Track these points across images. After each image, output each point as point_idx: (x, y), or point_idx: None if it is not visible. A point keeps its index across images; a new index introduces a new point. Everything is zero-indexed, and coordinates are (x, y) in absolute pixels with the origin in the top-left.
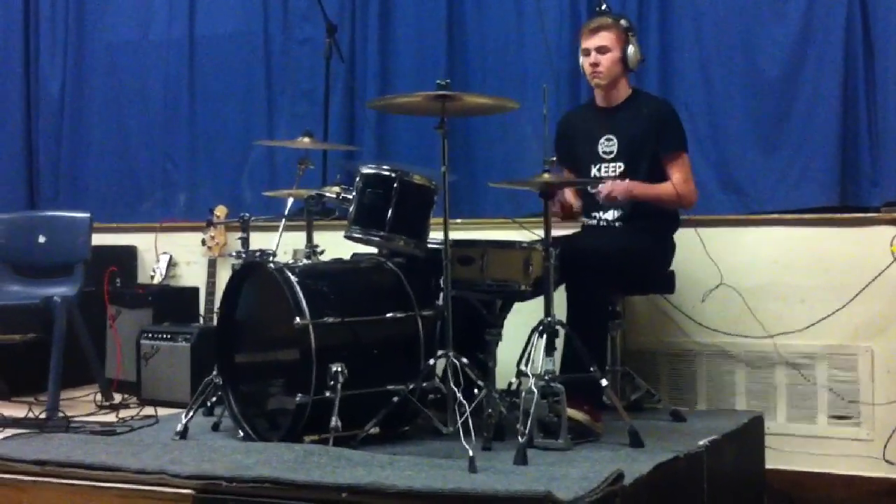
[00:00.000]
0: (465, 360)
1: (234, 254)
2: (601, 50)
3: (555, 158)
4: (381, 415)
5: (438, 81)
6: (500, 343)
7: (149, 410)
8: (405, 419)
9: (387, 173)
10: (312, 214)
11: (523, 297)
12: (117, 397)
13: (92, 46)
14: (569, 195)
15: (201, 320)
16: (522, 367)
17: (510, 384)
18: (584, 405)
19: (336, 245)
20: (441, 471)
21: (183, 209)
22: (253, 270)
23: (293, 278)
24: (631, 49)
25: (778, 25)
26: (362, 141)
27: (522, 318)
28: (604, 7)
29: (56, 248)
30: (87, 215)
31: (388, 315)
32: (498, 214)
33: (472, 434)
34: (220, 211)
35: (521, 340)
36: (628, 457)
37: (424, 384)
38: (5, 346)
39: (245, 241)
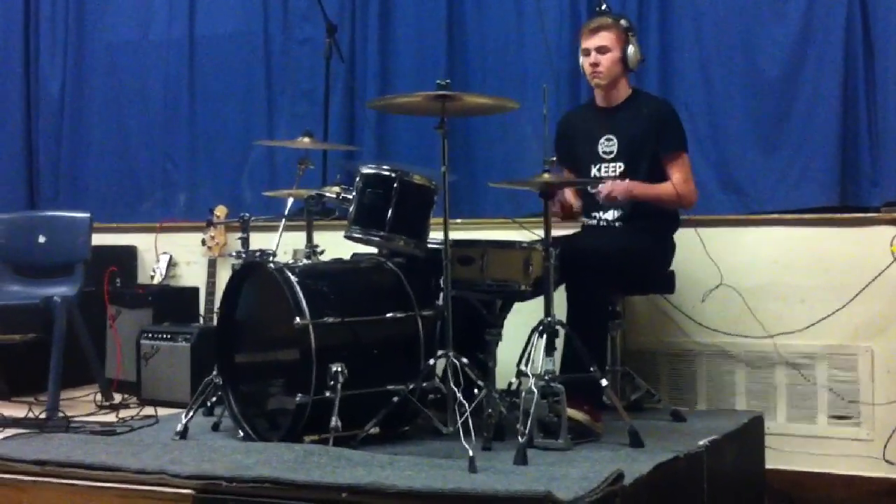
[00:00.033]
0: (465, 360)
1: (234, 254)
2: (601, 50)
3: (555, 158)
4: (381, 415)
5: (438, 81)
6: (500, 343)
7: (149, 410)
8: (405, 419)
9: (387, 173)
10: (312, 214)
11: (523, 297)
12: (117, 397)
13: (92, 46)
14: (569, 195)
15: (201, 320)
16: (522, 367)
17: (510, 384)
18: (584, 405)
19: (336, 245)
20: (441, 471)
21: (183, 209)
22: (253, 270)
23: (293, 278)
24: (631, 49)
25: (778, 25)
26: (362, 141)
27: (522, 318)
28: (604, 7)
29: (56, 248)
30: (87, 215)
31: (388, 315)
32: (498, 214)
33: (472, 434)
34: (220, 211)
35: (521, 340)
36: (628, 457)
37: (424, 384)
38: (5, 346)
39: (245, 241)
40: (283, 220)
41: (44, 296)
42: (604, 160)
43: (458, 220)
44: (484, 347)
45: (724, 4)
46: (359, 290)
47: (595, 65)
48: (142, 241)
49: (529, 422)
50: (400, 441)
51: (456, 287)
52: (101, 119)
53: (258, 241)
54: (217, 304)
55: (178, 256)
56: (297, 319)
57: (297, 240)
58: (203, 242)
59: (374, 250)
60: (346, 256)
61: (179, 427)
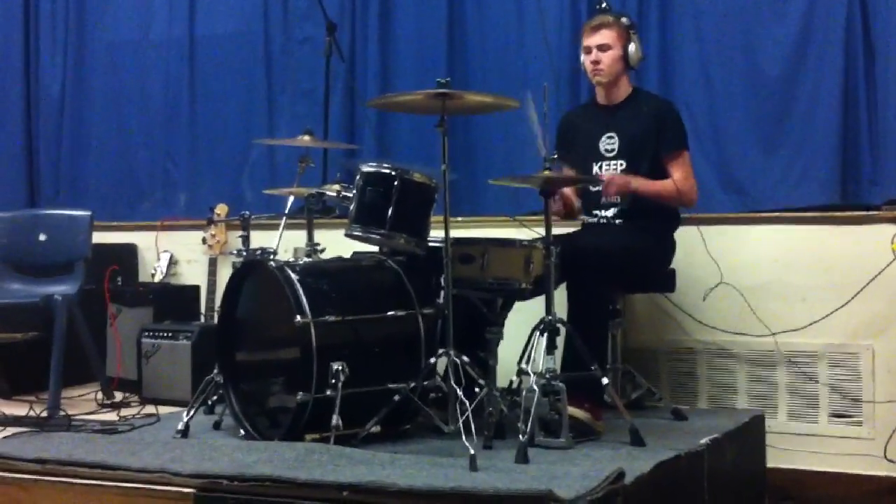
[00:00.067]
0: (465, 358)
1: (234, 252)
2: (602, 48)
3: (556, 156)
4: (382, 413)
5: (439, 80)
6: (500, 341)
7: (150, 409)
8: (406, 418)
9: (387, 171)
10: (313, 213)
11: (524, 295)
12: (118, 396)
13: (92, 46)
14: (569, 193)
15: (202, 318)
16: (523, 366)
17: (511, 382)
18: (585, 403)
19: (337, 243)
20: (442, 469)
21: (183, 208)
22: (254, 269)
23: (294, 276)
24: (632, 47)
25: (778, 25)
26: (362, 139)
27: (523, 316)
28: (604, 5)
29: (57, 246)
30: (88, 213)
31: (389, 313)
32: (498, 212)
33: (473, 433)
34: (221, 209)
35: (522, 339)
36: (629, 455)
37: (425, 383)
38: (6, 344)
39: (246, 240)
40: (284, 218)
41: (44, 294)
42: (605, 158)
43: (459, 219)
44: (485, 346)
45: (724, 4)
46: (359, 288)
47: (596, 62)
48: (142, 240)
49: (530, 420)
50: (401, 439)
51: (457, 285)
52: (102, 118)
53: (259, 239)
54: (218, 302)
55: (179, 255)
56: (298, 318)
57: (298, 238)
58: (204, 241)
59: (374, 248)
60: (347, 255)
61: (180, 425)
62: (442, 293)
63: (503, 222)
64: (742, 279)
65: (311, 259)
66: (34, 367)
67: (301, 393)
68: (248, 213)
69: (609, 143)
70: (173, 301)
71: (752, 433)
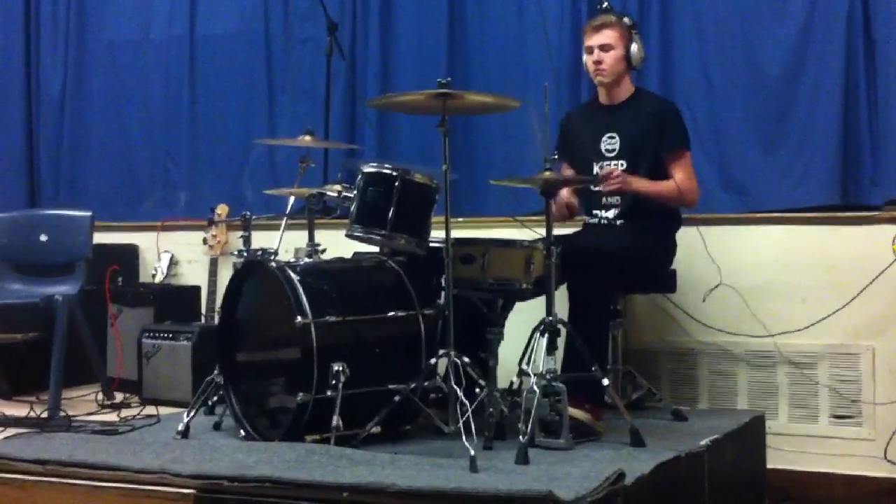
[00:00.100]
0: (466, 359)
1: (235, 252)
2: (604, 48)
3: (556, 156)
4: (383, 414)
5: (439, 80)
6: (501, 342)
7: (150, 410)
8: (406, 418)
9: (388, 172)
10: (314, 213)
11: (524, 295)
12: (118, 396)
13: (93, 45)
14: (566, 193)
15: (203, 319)
16: (524, 366)
17: (511, 383)
18: (586, 404)
19: (337, 244)
20: (442, 470)
21: (184, 208)
22: (254, 269)
23: (294, 277)
24: (634, 47)
25: (779, 25)
26: (363, 139)
27: (524, 316)
28: (606, 5)
29: (57, 246)
30: (89, 214)
31: (390, 314)
32: (499, 213)
33: (474, 433)
34: (222, 209)
35: (523, 339)
36: (630, 456)
37: (426, 383)
38: (7, 345)
39: (246, 240)
40: (285, 218)
41: (45, 294)
42: (606, 158)
43: (460, 219)
44: (485, 346)
45: (724, 4)
46: (360, 288)
47: (598, 62)
48: (143, 240)
49: (531, 421)
50: (401, 440)
51: (457, 286)
52: (102, 118)
53: (259, 239)
54: (218, 302)
55: (180, 255)
56: (299, 318)
57: (299, 238)
58: (204, 241)
59: (375, 249)
60: (348, 255)
61: (181, 426)
62: (442, 294)
63: (504, 223)
64: (742, 280)
65: (311, 259)
66: (34, 367)
67: (301, 393)
68: (248, 213)
69: (610, 142)
70: (174, 301)
71: (752, 434)
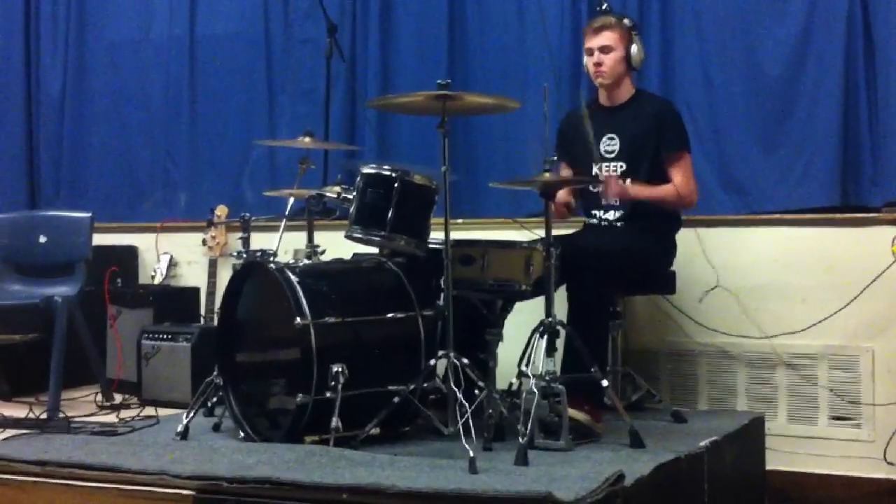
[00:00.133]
0: (465, 360)
1: (234, 254)
2: (604, 49)
3: (556, 157)
4: (382, 415)
5: (439, 81)
6: (500, 343)
7: (149, 411)
8: (406, 419)
9: (388, 173)
10: (313, 214)
11: (524, 296)
12: (118, 397)
13: (93, 46)
14: (563, 194)
15: (202, 320)
16: (523, 368)
17: (511, 384)
18: (585, 405)
19: (337, 245)
20: (442, 471)
21: (184, 209)
22: (254, 270)
23: (294, 278)
24: (634, 48)
25: (779, 25)
26: (363, 141)
27: (523, 317)
28: (605, 7)
29: (57, 247)
30: (88, 215)
31: (389, 315)
32: (499, 214)
33: (473, 434)
34: (221, 211)
35: (522, 340)
36: (629, 457)
37: (425, 384)
38: (6, 346)
39: (246, 241)
40: (284, 219)
41: (45, 296)
42: (605, 159)
43: (459, 220)
44: (485, 347)
45: (724, 4)
46: (359, 290)
47: (599, 64)
48: (142, 241)
49: (530, 422)
50: (400, 441)
51: (457, 287)
52: (102, 118)
53: (259, 240)
54: (218, 303)
55: (179, 256)
56: (298, 319)
57: (298, 240)
58: (204, 242)
59: (374, 250)
60: (347, 256)
61: (180, 427)
62: (442, 295)
63: (503, 224)
64: (741, 281)
65: (311, 261)
66: (34, 368)
67: (301, 395)
68: (248, 214)
69: (610, 144)
70: (173, 303)
71: (751, 435)
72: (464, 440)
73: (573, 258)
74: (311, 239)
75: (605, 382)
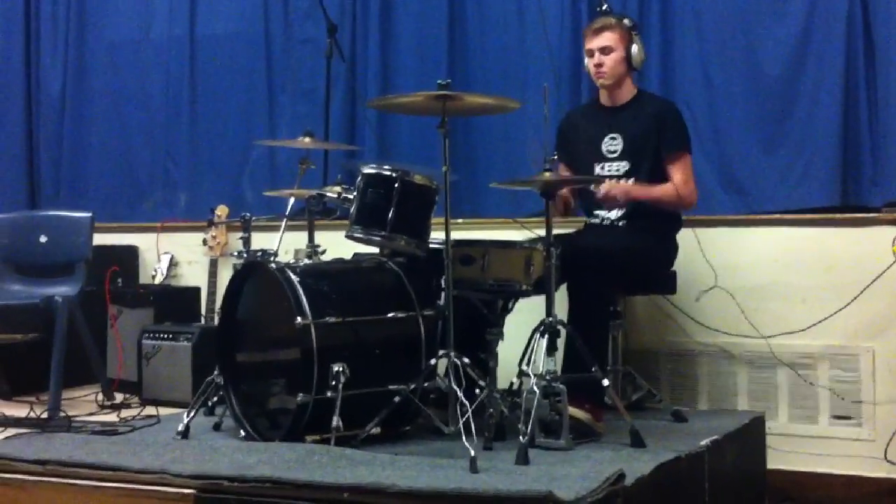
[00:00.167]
0: (466, 359)
1: (235, 253)
2: (605, 50)
3: (556, 157)
4: (383, 414)
5: (439, 81)
6: (501, 342)
7: (150, 410)
8: (406, 419)
9: (388, 173)
10: (314, 214)
11: (525, 296)
12: (119, 397)
13: (93, 45)
14: (566, 191)
15: (202, 320)
16: (524, 367)
17: (511, 384)
18: (586, 405)
19: (337, 245)
20: (442, 471)
21: (184, 209)
22: (254, 270)
23: (294, 278)
24: (635, 48)
25: (779, 25)
26: (363, 141)
27: (524, 317)
28: (605, 7)
29: (57, 247)
30: (89, 215)
31: (390, 315)
32: (499, 214)
33: (474, 434)
34: (222, 210)
35: (523, 340)
36: (630, 457)
37: (426, 384)
38: (7, 345)
39: (246, 241)
40: (285, 219)
41: (45, 295)
42: (607, 159)
43: (460, 220)
44: (485, 347)
45: (724, 4)
46: (360, 289)
47: (599, 65)
48: (143, 241)
49: (531, 421)
50: (401, 441)
51: (457, 287)
52: (102, 118)
53: (259, 240)
54: (218, 303)
55: (180, 256)
56: (299, 319)
57: (299, 240)
58: (204, 242)
59: (375, 250)
60: (348, 256)
61: (181, 427)
62: (442, 294)
63: (503, 224)
64: (742, 281)
65: (311, 260)
66: (35, 368)
67: (301, 394)
68: (248, 214)
69: (612, 143)
70: (174, 302)
71: (752, 435)
72: (464, 439)
73: (574, 258)
74: (311, 239)
75: (605, 382)
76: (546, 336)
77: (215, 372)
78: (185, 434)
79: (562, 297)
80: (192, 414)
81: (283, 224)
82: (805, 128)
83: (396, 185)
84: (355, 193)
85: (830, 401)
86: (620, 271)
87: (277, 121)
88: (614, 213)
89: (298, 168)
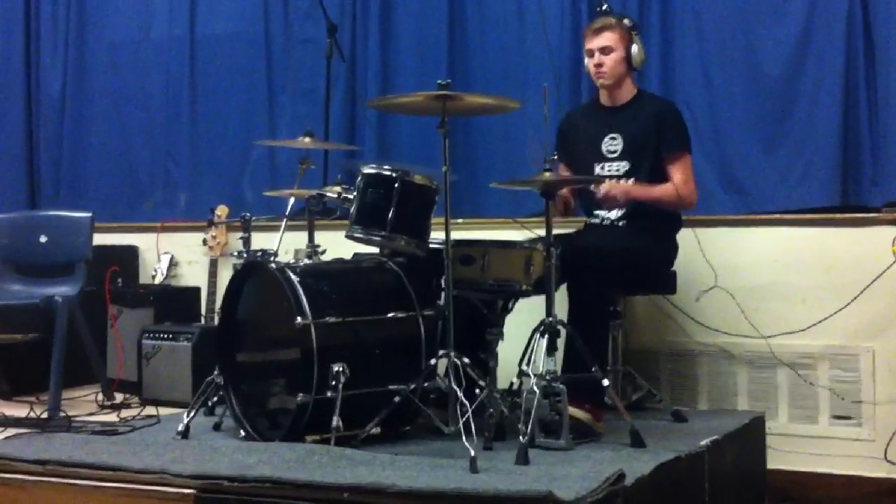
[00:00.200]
0: (466, 359)
1: (235, 253)
2: (605, 50)
3: (556, 157)
4: (383, 414)
5: (439, 81)
6: (501, 342)
7: (150, 410)
8: (406, 419)
9: (388, 173)
10: (314, 214)
11: (525, 296)
12: (119, 397)
13: (93, 45)
14: (566, 191)
15: (203, 320)
16: (524, 367)
17: (511, 384)
18: (586, 405)
19: (337, 245)
20: (442, 471)
21: (184, 209)
22: (254, 270)
23: (294, 278)
24: (634, 48)
25: (779, 25)
26: (363, 141)
27: (524, 317)
28: (605, 7)
29: (57, 247)
30: (89, 215)
31: (390, 315)
32: (499, 214)
33: (474, 434)
34: (222, 210)
35: (523, 340)
36: (630, 457)
37: (426, 384)
38: (7, 345)
39: (246, 241)
40: (285, 219)
41: (45, 295)
42: (607, 159)
43: (460, 220)
44: (485, 347)
45: (724, 4)
46: (360, 289)
47: (599, 65)
48: (143, 241)
49: (531, 421)
50: (401, 441)
51: (457, 287)
52: (102, 118)
53: (259, 240)
54: (218, 303)
55: (180, 256)
56: (299, 319)
57: (299, 240)
58: (204, 242)
59: (375, 250)
60: (348, 256)
61: (181, 427)
62: (442, 294)
63: (503, 224)
64: (742, 281)
65: (311, 260)
66: (35, 368)
67: (301, 394)
68: (248, 214)
69: (612, 143)
70: (174, 302)
71: (752, 435)
72: (464, 439)
73: (574, 258)
74: (311, 239)
75: (605, 382)
76: (546, 336)
77: (215, 372)
78: (185, 434)
79: (562, 297)
80: (192, 414)
81: (283, 224)
82: (805, 128)
83: (396, 185)
84: (355, 193)
85: (830, 401)
86: (620, 271)
87: (277, 121)
88: (614, 213)
89: (298, 168)
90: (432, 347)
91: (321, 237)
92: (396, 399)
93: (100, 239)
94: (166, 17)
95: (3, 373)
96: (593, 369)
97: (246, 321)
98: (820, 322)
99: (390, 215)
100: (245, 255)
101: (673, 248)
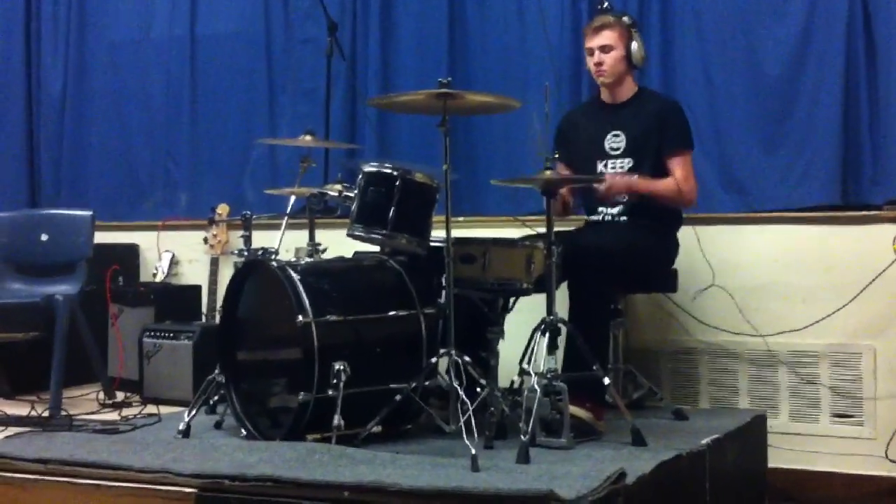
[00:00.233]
0: (467, 358)
1: (236, 252)
2: (605, 49)
3: (557, 156)
4: (384, 413)
5: (440, 80)
6: (502, 341)
7: (151, 409)
8: (407, 417)
9: (389, 172)
10: (314, 213)
11: (525, 294)
12: (119, 396)
13: (93, 45)
14: (565, 192)
15: (203, 318)
16: (525, 366)
17: (512, 382)
18: (587, 403)
19: (338, 243)
20: (443, 469)
21: (185, 207)
22: (255, 268)
23: (295, 276)
24: (635, 46)
25: (779, 24)
26: (364, 139)
27: (524, 316)
28: (605, 5)
29: (58, 246)
30: (90, 213)
31: (391, 313)
32: (500, 212)
33: (475, 432)
34: (222, 209)
35: (524, 338)
36: (631, 455)
37: (427, 382)
38: (7, 344)
39: (247, 240)
40: (286, 218)
41: (46, 294)
42: (610, 156)
43: (460, 218)
44: (486, 345)
45: (724, 4)
46: (361, 288)
47: (599, 64)
48: (144, 240)
49: (532, 420)
50: (402, 439)
51: (458, 285)
52: (103, 118)
53: (260, 239)
54: (219, 302)
55: (181, 255)
56: (300, 317)
57: (300, 238)
58: (205, 240)
59: (376, 248)
60: (349, 255)
61: (182, 425)
62: (443, 293)
63: (504, 222)
64: (743, 279)
65: (312, 259)
66: (35, 367)
67: (302, 393)
68: (249, 213)
69: (615, 140)
70: (175, 301)
71: (753, 433)
72: (465, 438)
73: (574, 256)
74: (312, 237)
75: (606, 380)
76: (547, 334)
77: (216, 370)
78: (186, 433)
79: (562, 295)
80: (193, 413)
81: (284, 222)
82: (805, 127)
83: (397, 183)
84: (356, 192)
85: (831, 399)
86: (621, 270)
87: (278, 120)
88: (616, 209)
89: (299, 167)
90: (433, 346)
91: (322, 236)
92: (397, 398)
93: (100, 237)
94: (167, 17)
95: (4, 372)
96: (594, 368)
97: (247, 320)
98: (821, 320)
99: (391, 214)
100: (246, 254)
101: (674, 247)
